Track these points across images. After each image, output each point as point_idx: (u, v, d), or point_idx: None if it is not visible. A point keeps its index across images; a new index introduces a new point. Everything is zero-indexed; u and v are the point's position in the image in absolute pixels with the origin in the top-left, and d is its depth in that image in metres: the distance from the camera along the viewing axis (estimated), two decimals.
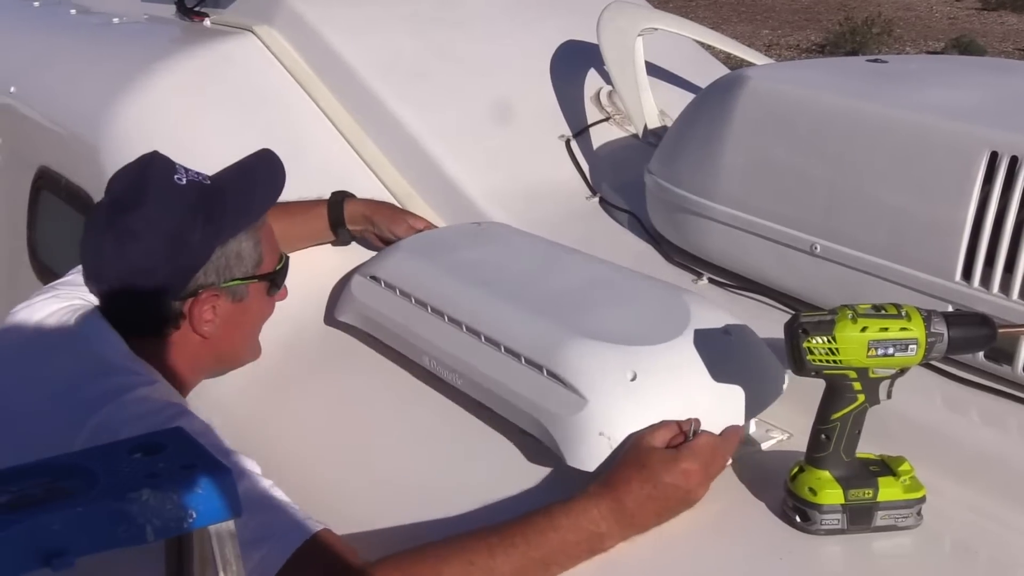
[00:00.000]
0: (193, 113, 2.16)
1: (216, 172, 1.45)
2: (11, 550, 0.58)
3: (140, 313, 1.37)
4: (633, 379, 1.27)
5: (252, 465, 1.18)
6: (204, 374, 1.48)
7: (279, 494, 1.16)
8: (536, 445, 1.33)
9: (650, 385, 1.27)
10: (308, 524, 1.12)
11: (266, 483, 1.17)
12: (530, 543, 1.12)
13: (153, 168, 1.37)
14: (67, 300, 1.43)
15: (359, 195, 1.91)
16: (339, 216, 1.84)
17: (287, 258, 1.54)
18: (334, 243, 1.89)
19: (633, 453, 1.20)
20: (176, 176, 1.36)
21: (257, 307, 1.48)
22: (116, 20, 2.78)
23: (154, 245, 1.33)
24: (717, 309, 1.41)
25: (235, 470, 1.14)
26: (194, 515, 0.63)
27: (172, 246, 1.34)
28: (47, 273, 2.48)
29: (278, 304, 1.55)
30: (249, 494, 1.13)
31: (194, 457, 0.65)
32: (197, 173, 1.40)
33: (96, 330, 1.35)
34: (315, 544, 1.10)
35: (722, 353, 1.32)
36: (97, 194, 2.16)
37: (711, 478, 1.20)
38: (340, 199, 1.85)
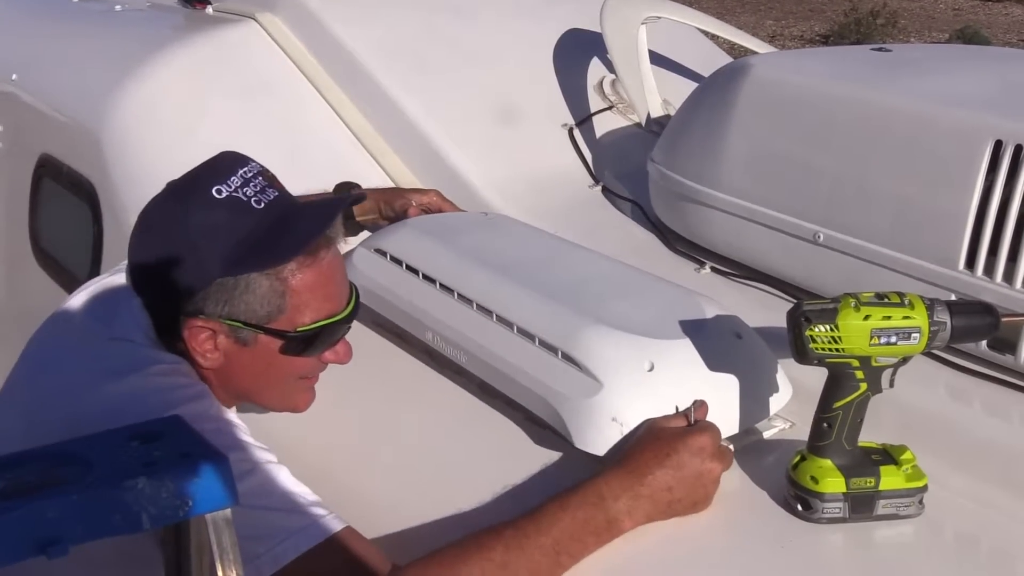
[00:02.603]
0: (195, 101, 2.16)
1: (292, 197, 1.29)
2: (6, 538, 0.57)
3: (151, 309, 1.26)
4: (650, 369, 1.27)
5: (270, 457, 1.16)
6: (228, 402, 1.31)
7: (301, 488, 1.14)
8: (540, 431, 1.33)
9: (666, 377, 1.27)
10: (330, 520, 1.10)
11: (286, 474, 1.14)
12: (540, 530, 1.11)
13: (203, 169, 1.24)
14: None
15: (362, 184, 1.89)
16: (348, 209, 1.83)
17: (333, 327, 1.28)
18: (343, 235, 1.88)
19: (646, 433, 1.22)
20: (216, 187, 1.20)
21: (270, 359, 1.26)
22: (118, 7, 2.78)
23: (158, 248, 1.23)
24: (729, 312, 1.40)
25: (254, 461, 1.13)
26: (190, 503, 0.62)
27: (173, 256, 1.22)
28: (49, 261, 2.48)
29: None
30: (270, 486, 1.11)
31: (191, 445, 0.65)
32: (261, 189, 1.23)
33: (128, 309, 1.27)
34: (337, 540, 1.09)
35: (734, 356, 1.33)
36: (99, 181, 2.17)
37: (721, 455, 1.20)
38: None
